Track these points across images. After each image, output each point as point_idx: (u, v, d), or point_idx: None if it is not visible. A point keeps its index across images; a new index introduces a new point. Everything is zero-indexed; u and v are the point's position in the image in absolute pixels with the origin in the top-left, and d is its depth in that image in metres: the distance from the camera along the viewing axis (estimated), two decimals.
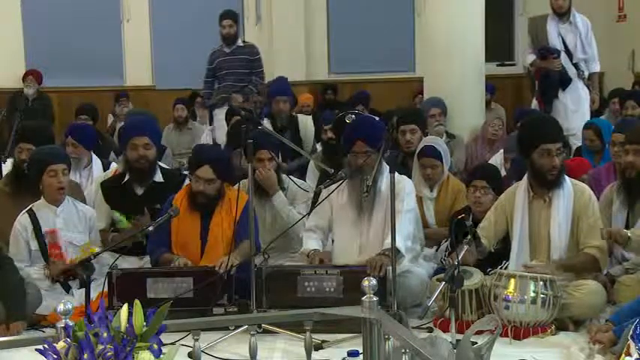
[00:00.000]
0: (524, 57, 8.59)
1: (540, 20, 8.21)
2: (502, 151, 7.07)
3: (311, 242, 5.25)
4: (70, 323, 2.63)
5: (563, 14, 8.04)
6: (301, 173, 6.94)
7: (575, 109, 8.03)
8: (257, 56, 9.21)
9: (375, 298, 3.10)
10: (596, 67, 8.24)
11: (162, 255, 5.19)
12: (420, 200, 5.75)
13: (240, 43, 9.18)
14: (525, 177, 5.00)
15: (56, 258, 5.24)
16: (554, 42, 8.05)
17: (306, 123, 8.15)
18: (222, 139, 8.71)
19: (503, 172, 6.29)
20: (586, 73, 8.13)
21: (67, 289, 5.16)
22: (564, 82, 8.05)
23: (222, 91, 9.11)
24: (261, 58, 9.30)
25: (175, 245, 5.22)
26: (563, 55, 8.04)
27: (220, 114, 9.01)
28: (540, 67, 8.11)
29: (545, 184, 4.89)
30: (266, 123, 7.95)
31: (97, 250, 5.05)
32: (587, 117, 7.93)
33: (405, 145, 6.58)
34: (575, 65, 8.10)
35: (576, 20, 8.09)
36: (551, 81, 8.06)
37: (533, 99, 8.47)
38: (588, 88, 8.16)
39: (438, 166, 5.99)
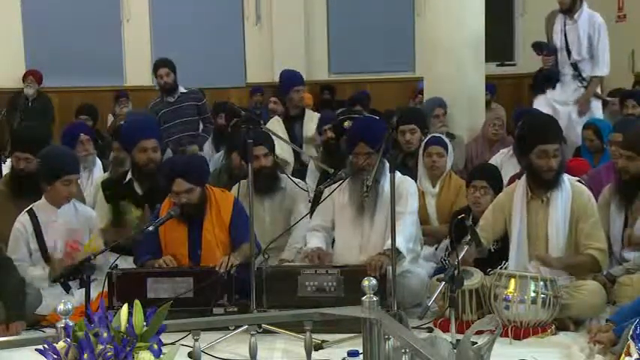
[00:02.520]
0: None
1: (552, 15, 7.89)
2: (502, 151, 7.06)
3: (314, 240, 5.25)
4: (70, 323, 2.63)
5: (566, 11, 7.68)
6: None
7: (561, 109, 7.62)
8: (203, 101, 8.59)
9: (375, 298, 3.10)
10: (600, 72, 7.72)
11: (145, 262, 5.17)
12: (422, 195, 5.78)
13: (182, 89, 8.41)
14: (524, 177, 5.00)
15: (70, 256, 5.20)
16: (556, 38, 7.76)
17: (312, 118, 8.02)
18: None
19: (508, 172, 6.29)
20: (585, 75, 7.73)
21: (67, 289, 5.16)
22: (550, 79, 7.77)
23: (174, 144, 8.06)
24: (207, 101, 8.73)
25: (165, 255, 5.16)
26: (564, 53, 7.74)
27: None
28: None
29: (542, 185, 4.89)
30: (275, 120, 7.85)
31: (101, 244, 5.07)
32: (575, 120, 7.57)
33: (405, 144, 6.59)
34: (574, 65, 7.75)
35: (581, 18, 7.68)
36: (540, 77, 7.89)
37: None
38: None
39: (443, 155, 6.08)
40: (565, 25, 7.73)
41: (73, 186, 5.30)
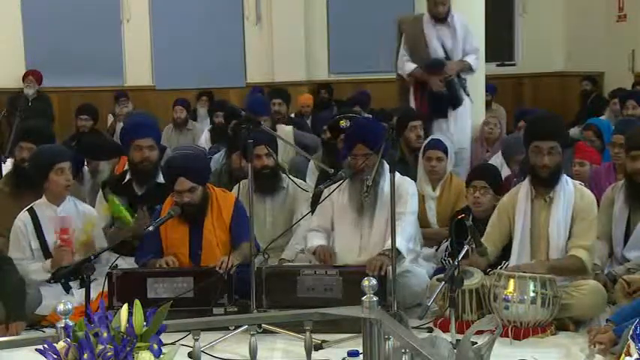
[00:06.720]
0: (402, 64, 7.35)
1: (414, 23, 7.40)
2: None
3: (316, 240, 5.24)
4: (70, 323, 2.63)
5: (443, 18, 7.24)
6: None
7: (456, 127, 7.23)
8: None
9: (375, 298, 3.10)
10: (471, 60, 7.22)
11: (148, 262, 5.15)
12: (422, 199, 5.76)
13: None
14: (528, 177, 5.01)
15: (65, 243, 5.19)
16: (436, 48, 7.20)
17: (284, 133, 7.80)
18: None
19: (503, 174, 6.29)
20: (466, 83, 7.28)
21: (67, 289, 5.16)
22: (455, 101, 7.20)
23: None
24: None
25: (166, 255, 5.16)
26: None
27: None
28: (423, 80, 7.22)
29: (541, 183, 4.89)
30: None
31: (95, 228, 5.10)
32: (468, 132, 7.39)
33: (415, 140, 6.61)
34: (457, 76, 7.24)
35: (454, 22, 7.25)
36: (440, 100, 7.16)
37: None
38: (464, 91, 7.28)
39: (443, 159, 6.04)
40: (438, 32, 7.26)
41: (67, 173, 5.28)
